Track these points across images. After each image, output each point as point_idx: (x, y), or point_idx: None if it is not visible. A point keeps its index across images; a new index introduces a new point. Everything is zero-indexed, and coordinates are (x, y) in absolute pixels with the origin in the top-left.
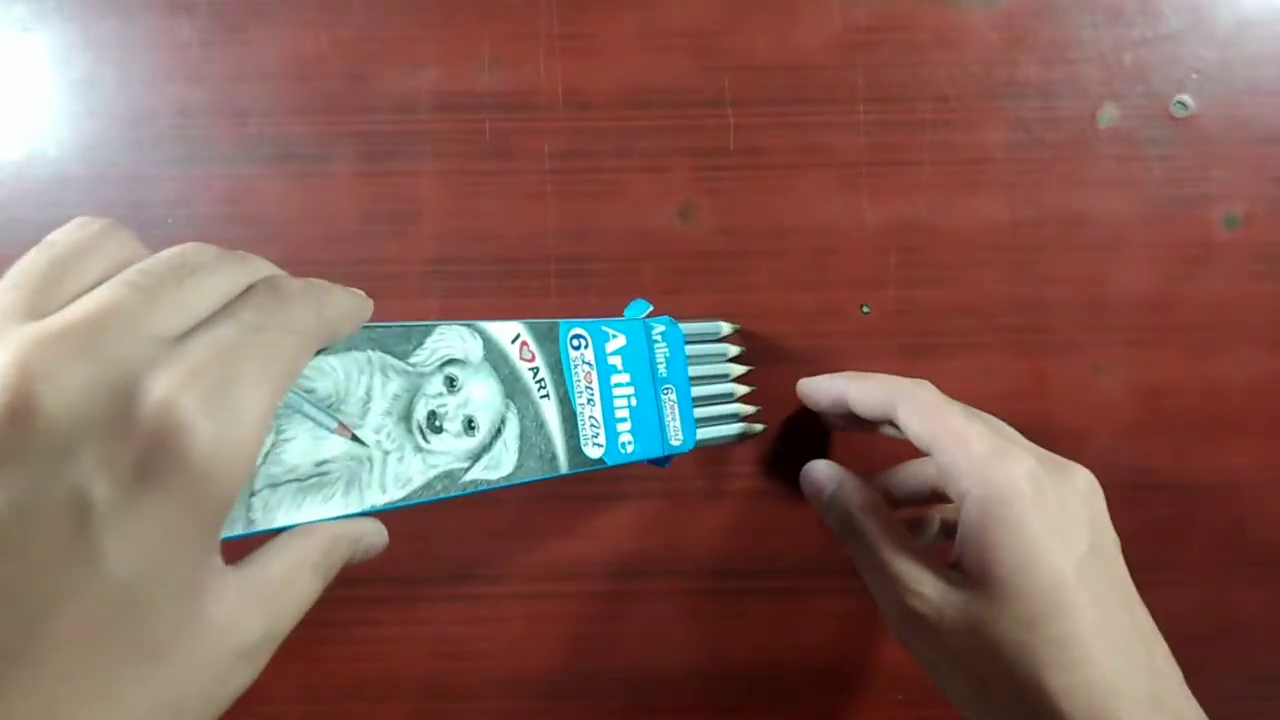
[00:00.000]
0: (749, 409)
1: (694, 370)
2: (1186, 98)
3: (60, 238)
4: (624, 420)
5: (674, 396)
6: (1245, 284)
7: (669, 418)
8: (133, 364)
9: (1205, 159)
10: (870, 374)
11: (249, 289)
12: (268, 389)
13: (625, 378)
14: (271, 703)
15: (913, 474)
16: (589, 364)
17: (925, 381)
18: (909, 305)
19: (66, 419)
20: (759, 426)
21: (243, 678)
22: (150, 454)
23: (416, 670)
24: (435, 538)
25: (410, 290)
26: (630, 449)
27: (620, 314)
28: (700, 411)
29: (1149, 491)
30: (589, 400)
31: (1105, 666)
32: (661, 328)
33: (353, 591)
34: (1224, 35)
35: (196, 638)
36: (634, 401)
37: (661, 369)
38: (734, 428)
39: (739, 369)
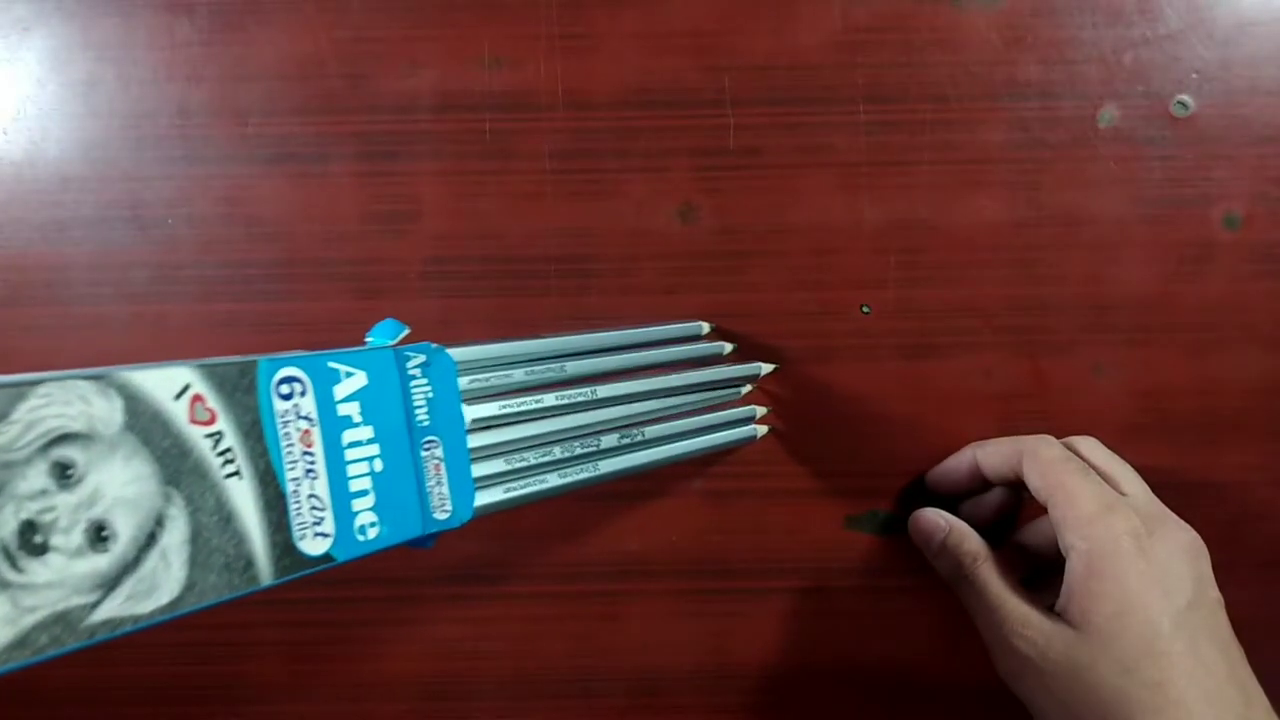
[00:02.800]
0: (760, 409)
1: (691, 377)
2: (1186, 98)
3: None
4: (363, 494)
5: (439, 452)
6: (1245, 284)
7: (432, 482)
8: None
9: (1205, 159)
10: (994, 439)
11: None
12: None
13: (366, 432)
14: (270, 703)
15: (1038, 530)
16: (308, 418)
17: (1048, 437)
18: (909, 305)
19: None
20: (763, 429)
21: None
22: None
23: (416, 670)
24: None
25: (410, 290)
26: (373, 533)
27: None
28: (705, 419)
29: None
30: (308, 472)
31: (1197, 713)
32: (421, 358)
33: (353, 591)
34: (1224, 35)
35: None
36: (378, 465)
37: (422, 416)
38: (738, 433)
39: (742, 370)
